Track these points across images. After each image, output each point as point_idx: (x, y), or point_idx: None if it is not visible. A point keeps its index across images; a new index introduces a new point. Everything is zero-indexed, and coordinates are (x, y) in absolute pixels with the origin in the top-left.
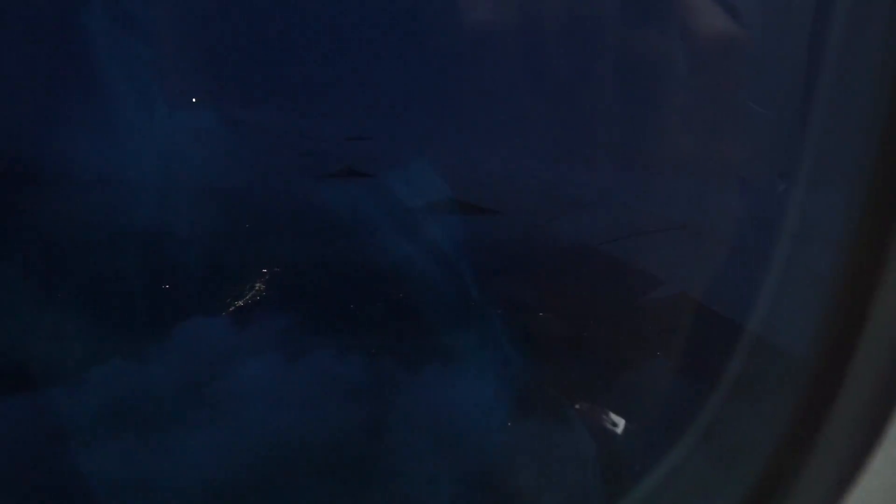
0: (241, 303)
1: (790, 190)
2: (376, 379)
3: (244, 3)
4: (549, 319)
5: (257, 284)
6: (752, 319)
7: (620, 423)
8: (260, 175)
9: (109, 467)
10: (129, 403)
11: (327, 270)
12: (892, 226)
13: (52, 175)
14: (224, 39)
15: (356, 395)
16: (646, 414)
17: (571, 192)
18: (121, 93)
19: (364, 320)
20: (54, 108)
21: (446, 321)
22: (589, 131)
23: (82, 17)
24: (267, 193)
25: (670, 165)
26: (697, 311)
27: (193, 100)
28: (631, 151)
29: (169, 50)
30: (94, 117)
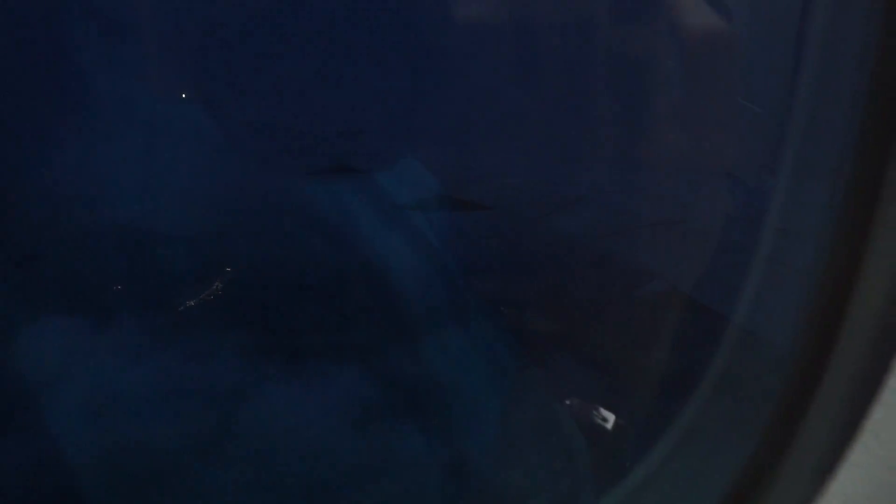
0: (192, 303)
1: (774, 185)
2: (359, 377)
3: None
4: (539, 314)
5: (216, 284)
6: (736, 313)
7: (610, 417)
8: (250, 173)
9: None
10: None
11: (314, 266)
12: (873, 220)
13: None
14: (212, 34)
15: (341, 393)
16: (635, 408)
17: (563, 189)
18: (102, 88)
19: (351, 318)
20: (30, 105)
21: (435, 316)
22: (580, 128)
23: (62, 11)
24: (256, 191)
25: (660, 162)
26: (686, 306)
27: (183, 95)
28: (620, 148)
29: (155, 45)
30: (72, 113)
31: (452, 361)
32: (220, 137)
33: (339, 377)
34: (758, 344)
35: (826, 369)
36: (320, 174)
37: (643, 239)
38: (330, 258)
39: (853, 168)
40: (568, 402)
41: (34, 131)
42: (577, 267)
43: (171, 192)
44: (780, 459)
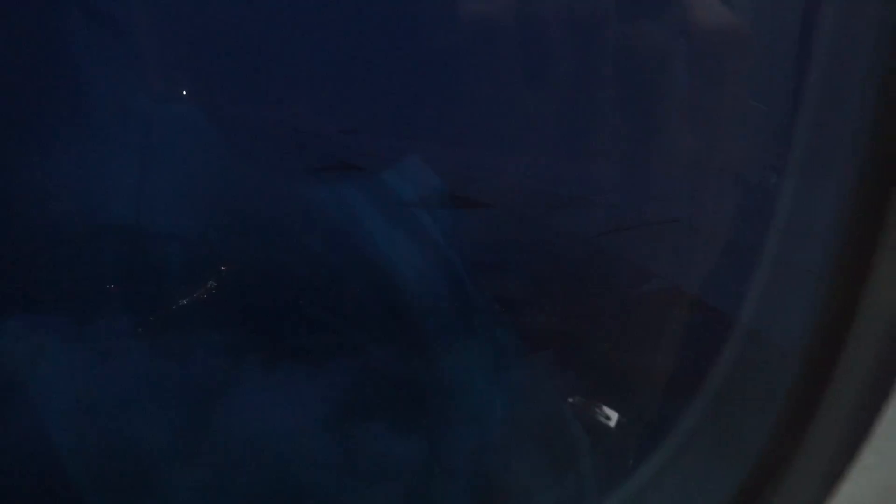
0: (192, 302)
1: (781, 184)
2: (362, 375)
3: None
4: (541, 313)
5: (212, 283)
6: (743, 313)
7: (613, 416)
8: (251, 170)
9: None
10: None
11: (317, 265)
12: (883, 220)
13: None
14: (212, 31)
15: (343, 393)
16: (639, 407)
17: (565, 187)
18: (100, 86)
19: (351, 318)
20: (27, 103)
21: (440, 314)
22: (582, 126)
23: (62, 10)
24: (258, 189)
25: (664, 160)
26: (690, 305)
27: (184, 92)
28: (624, 146)
29: (153, 42)
30: (70, 112)
31: (456, 359)
32: (220, 135)
33: (341, 376)
34: (764, 344)
35: (835, 370)
36: (322, 171)
37: (647, 237)
38: (333, 256)
39: (862, 166)
40: (571, 400)
41: (32, 131)
42: (580, 265)
43: (170, 190)
44: (788, 462)
